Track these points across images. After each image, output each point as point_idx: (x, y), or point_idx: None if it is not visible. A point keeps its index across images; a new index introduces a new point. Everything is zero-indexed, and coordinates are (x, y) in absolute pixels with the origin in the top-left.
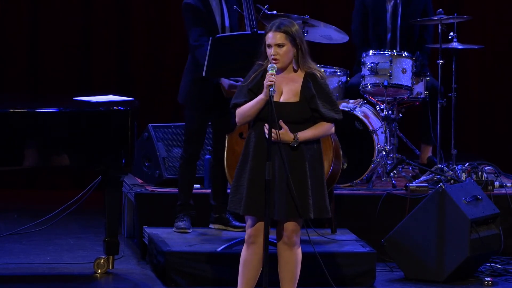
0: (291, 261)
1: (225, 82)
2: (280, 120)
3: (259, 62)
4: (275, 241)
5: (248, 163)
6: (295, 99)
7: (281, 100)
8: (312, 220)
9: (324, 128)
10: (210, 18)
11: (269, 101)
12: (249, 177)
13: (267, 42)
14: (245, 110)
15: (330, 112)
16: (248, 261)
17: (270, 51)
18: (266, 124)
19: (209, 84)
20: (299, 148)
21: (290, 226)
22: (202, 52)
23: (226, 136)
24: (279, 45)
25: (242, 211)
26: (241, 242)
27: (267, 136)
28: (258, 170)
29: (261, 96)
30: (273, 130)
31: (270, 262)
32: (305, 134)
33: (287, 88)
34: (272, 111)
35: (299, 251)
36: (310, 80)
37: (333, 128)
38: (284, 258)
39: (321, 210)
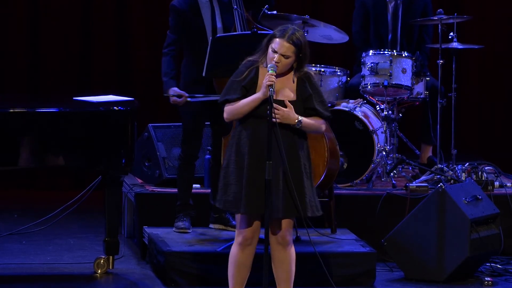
0: (286, 260)
1: (173, 91)
2: (285, 100)
3: (251, 58)
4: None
5: (245, 161)
6: (292, 97)
7: (278, 98)
8: (312, 219)
9: (319, 122)
10: (197, 20)
11: (268, 101)
12: (248, 176)
13: (273, 46)
14: (238, 107)
15: (324, 111)
16: (243, 262)
17: (273, 56)
18: (275, 105)
19: (205, 84)
20: (294, 146)
21: (284, 225)
22: (164, 61)
23: (222, 139)
24: (285, 56)
25: (244, 211)
26: None
27: (278, 118)
28: (257, 169)
29: (258, 95)
30: (279, 108)
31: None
32: (307, 120)
33: (283, 86)
34: (272, 111)
35: (293, 250)
36: (305, 79)
37: (325, 126)
38: (279, 258)
39: (312, 208)
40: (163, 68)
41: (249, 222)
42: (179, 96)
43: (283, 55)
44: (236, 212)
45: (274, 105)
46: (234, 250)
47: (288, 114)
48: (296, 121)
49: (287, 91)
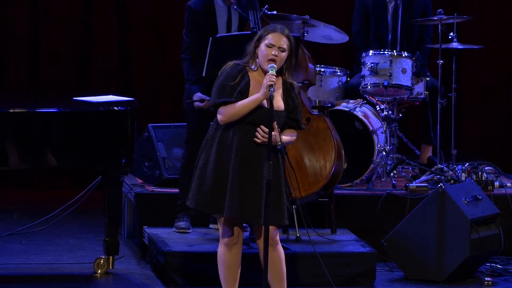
0: (278, 260)
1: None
2: (275, 122)
3: (239, 62)
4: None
5: (230, 166)
6: (282, 107)
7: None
8: (312, 219)
9: (295, 136)
10: (211, 20)
11: (269, 101)
12: (233, 181)
13: (269, 42)
14: (237, 109)
15: (301, 124)
16: (232, 262)
17: (271, 51)
18: (262, 126)
19: (209, 84)
20: (276, 155)
21: (271, 227)
22: (184, 67)
23: None
24: (282, 49)
25: (228, 214)
26: None
27: (258, 139)
28: (241, 174)
29: (257, 96)
30: (266, 132)
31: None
32: (287, 138)
33: (274, 91)
34: (272, 110)
35: (281, 248)
36: (291, 89)
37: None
38: (271, 258)
39: (286, 216)
40: (184, 74)
41: (233, 222)
42: (202, 100)
43: (279, 48)
44: (212, 212)
45: (263, 128)
46: (221, 251)
47: (274, 138)
48: (279, 143)
49: (278, 99)
